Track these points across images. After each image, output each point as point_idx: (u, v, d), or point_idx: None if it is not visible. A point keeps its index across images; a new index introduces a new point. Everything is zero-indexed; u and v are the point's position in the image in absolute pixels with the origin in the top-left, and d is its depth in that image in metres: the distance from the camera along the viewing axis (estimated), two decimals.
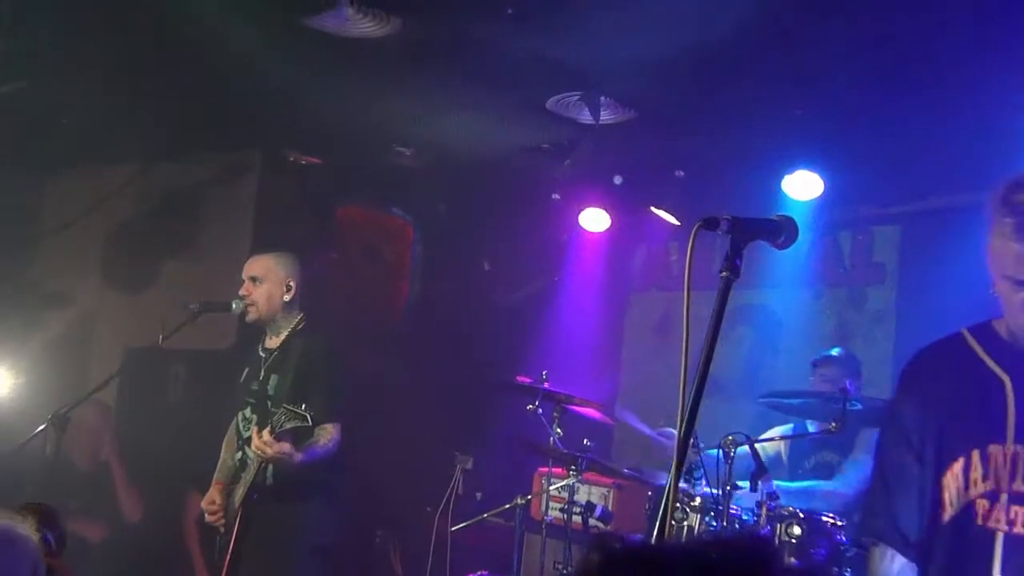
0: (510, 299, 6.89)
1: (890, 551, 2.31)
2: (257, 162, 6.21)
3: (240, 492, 4.11)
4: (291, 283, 4.33)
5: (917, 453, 2.27)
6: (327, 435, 4.07)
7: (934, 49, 3.98)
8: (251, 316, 4.34)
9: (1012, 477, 2.09)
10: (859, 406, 3.74)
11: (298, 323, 4.35)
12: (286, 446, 3.86)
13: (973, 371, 2.23)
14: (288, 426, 3.84)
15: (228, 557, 3.97)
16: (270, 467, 4.04)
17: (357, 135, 5.75)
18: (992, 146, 4.35)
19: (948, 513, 2.18)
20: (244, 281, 4.36)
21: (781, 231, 1.82)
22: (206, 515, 4.22)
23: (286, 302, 4.32)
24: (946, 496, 2.18)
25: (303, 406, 3.83)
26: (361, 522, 6.07)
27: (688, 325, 1.67)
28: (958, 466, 2.17)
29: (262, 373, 4.30)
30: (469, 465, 6.48)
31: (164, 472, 5.84)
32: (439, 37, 4.46)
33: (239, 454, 4.27)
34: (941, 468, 2.20)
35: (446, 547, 5.89)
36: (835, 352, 4.77)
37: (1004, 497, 2.09)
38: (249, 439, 4.03)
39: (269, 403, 4.13)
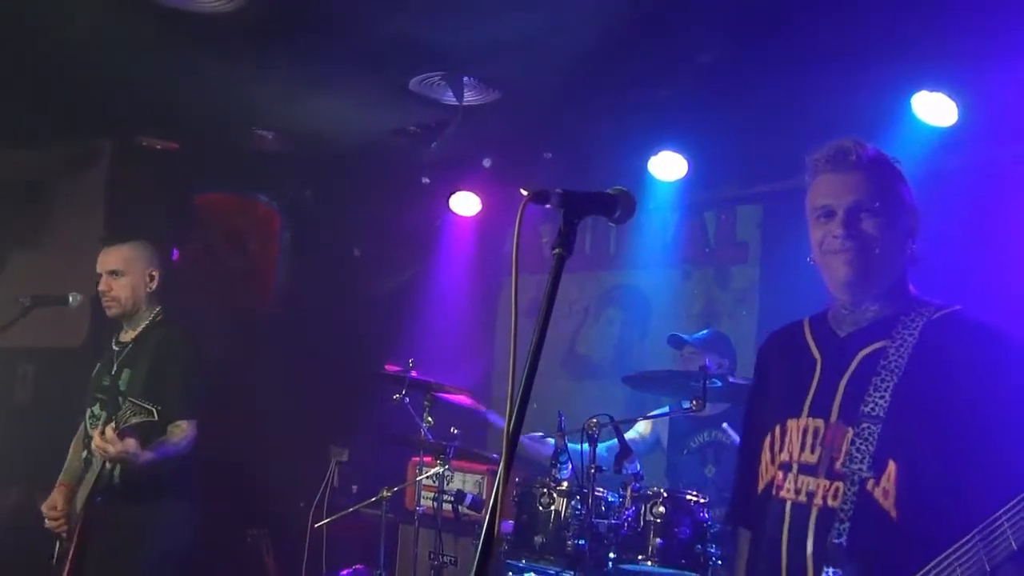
0: (383, 287, 6.76)
1: (743, 530, 2.44)
2: (108, 148, 5.89)
3: (83, 494, 3.86)
4: (153, 273, 4.11)
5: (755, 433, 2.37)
6: (180, 432, 3.86)
7: (794, 30, 4.02)
8: (113, 311, 4.10)
9: (802, 448, 2.17)
10: (719, 384, 3.77)
11: (156, 315, 4.13)
12: (131, 443, 3.62)
13: (797, 352, 2.32)
14: (133, 421, 3.61)
15: (68, 565, 3.71)
16: (117, 467, 3.81)
17: (214, 118, 5.52)
18: (851, 127, 4.43)
19: (760, 486, 2.26)
20: (101, 276, 4.10)
21: (616, 205, 1.75)
22: (46, 520, 3.94)
23: (149, 293, 4.10)
24: (760, 469, 2.27)
25: (149, 400, 3.61)
26: (231, 521, 5.86)
27: (516, 308, 1.58)
28: (767, 440, 2.26)
29: (114, 368, 4.06)
30: (344, 457, 6.34)
31: (10, 476, 5.53)
32: (293, 14, 4.29)
33: (84, 453, 4.02)
34: (760, 443, 2.28)
35: (322, 543, 5.75)
36: (702, 333, 4.80)
37: (795, 468, 2.17)
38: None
39: (120, 399, 3.89)
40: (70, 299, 4.07)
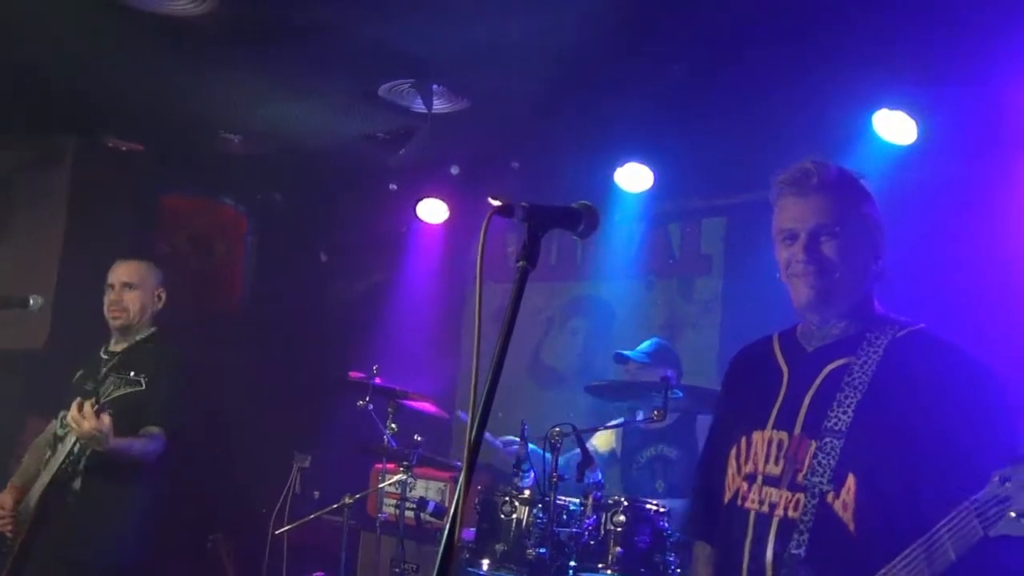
0: (350, 293, 6.75)
1: (702, 544, 2.47)
2: (72, 147, 5.82)
3: (38, 490, 3.81)
4: (161, 293, 4.23)
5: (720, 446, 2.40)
6: (150, 436, 3.85)
7: (758, 48, 4.08)
8: (120, 322, 4.14)
9: (767, 460, 2.21)
10: (680, 395, 3.80)
11: (152, 333, 4.20)
12: (106, 420, 3.54)
13: (765, 365, 2.36)
14: (116, 394, 3.63)
15: (11, 561, 3.65)
16: (82, 461, 3.80)
17: (181, 120, 5.48)
18: (814, 142, 4.51)
19: (726, 496, 2.29)
20: (113, 287, 4.16)
21: (580, 219, 1.78)
22: None
23: (154, 312, 4.20)
24: (726, 481, 2.30)
25: (137, 373, 3.64)
26: (191, 526, 5.82)
27: (479, 319, 1.61)
28: (732, 452, 2.30)
29: (101, 373, 4.05)
30: (307, 464, 6.30)
31: None
32: (263, 18, 4.28)
33: (48, 454, 3.97)
34: (726, 455, 2.31)
35: (283, 549, 5.71)
36: (644, 346, 4.80)
37: (760, 479, 2.21)
38: (66, 436, 3.78)
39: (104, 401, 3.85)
40: (31, 302, 4.02)
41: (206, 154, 5.91)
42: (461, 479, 1.51)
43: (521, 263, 1.70)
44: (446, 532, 1.50)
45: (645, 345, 4.76)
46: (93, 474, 3.82)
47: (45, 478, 3.82)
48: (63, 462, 3.79)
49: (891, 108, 4.35)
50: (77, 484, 3.84)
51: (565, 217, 1.79)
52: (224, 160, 5.97)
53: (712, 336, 5.57)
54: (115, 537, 3.89)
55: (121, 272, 4.20)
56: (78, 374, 4.16)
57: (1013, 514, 1.76)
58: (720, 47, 4.15)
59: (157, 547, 4.15)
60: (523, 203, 1.71)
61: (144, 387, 3.67)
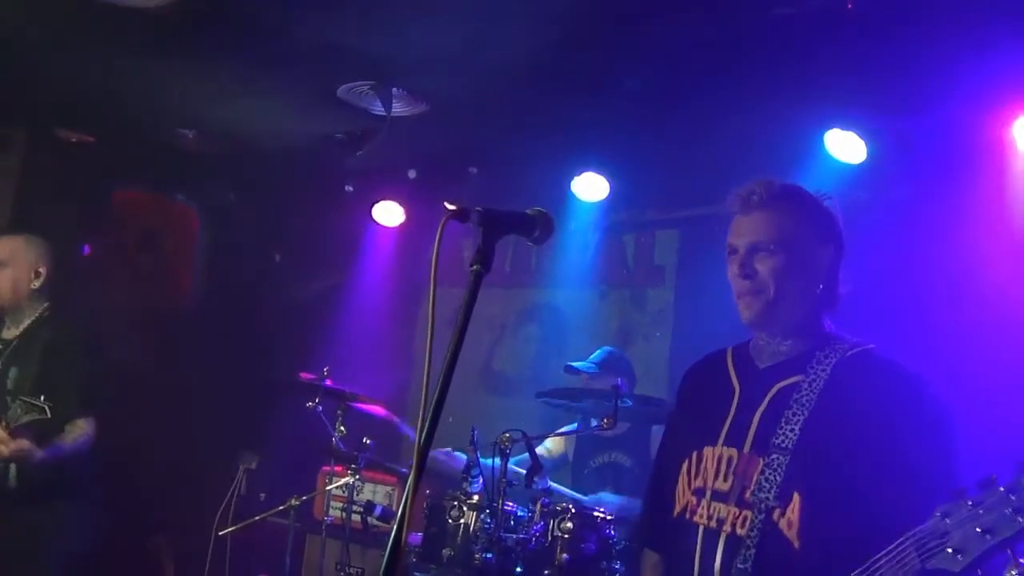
0: (302, 294, 6.70)
1: (649, 552, 2.49)
2: (21, 138, 5.71)
3: None
4: (40, 269, 3.98)
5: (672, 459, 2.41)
6: (78, 430, 3.78)
7: (716, 65, 4.13)
8: None
9: (716, 476, 2.23)
10: (629, 403, 3.83)
11: (43, 311, 3.99)
12: (24, 443, 3.55)
13: (718, 381, 2.37)
14: (25, 420, 3.55)
15: None
16: (11, 468, 3.71)
17: (135, 113, 5.40)
18: (768, 159, 4.57)
19: (676, 509, 2.31)
20: None
21: (535, 225, 1.79)
22: None
23: (33, 290, 3.96)
24: (676, 493, 2.31)
25: (42, 398, 3.54)
26: (132, 528, 5.72)
27: (432, 322, 1.60)
28: (684, 466, 2.31)
29: None
30: (254, 465, 6.23)
31: None
32: (221, 13, 4.23)
33: None
34: (677, 468, 2.33)
35: (226, 551, 5.64)
36: (596, 355, 4.81)
37: (709, 495, 2.23)
38: None
39: (9, 398, 3.77)
40: None
41: (159, 149, 5.82)
42: (409, 482, 1.50)
43: (475, 267, 1.70)
44: (392, 535, 1.50)
45: (596, 355, 4.78)
46: (28, 473, 3.74)
47: None
48: None
49: (842, 128, 4.43)
50: (13, 483, 3.76)
51: (520, 223, 1.80)
52: (178, 156, 5.89)
53: (663, 347, 5.62)
54: (61, 526, 3.83)
55: None
56: None
57: (950, 550, 1.79)
58: (678, 63, 4.20)
59: (98, 544, 4.08)
60: (478, 208, 1.71)
61: (50, 415, 3.56)
